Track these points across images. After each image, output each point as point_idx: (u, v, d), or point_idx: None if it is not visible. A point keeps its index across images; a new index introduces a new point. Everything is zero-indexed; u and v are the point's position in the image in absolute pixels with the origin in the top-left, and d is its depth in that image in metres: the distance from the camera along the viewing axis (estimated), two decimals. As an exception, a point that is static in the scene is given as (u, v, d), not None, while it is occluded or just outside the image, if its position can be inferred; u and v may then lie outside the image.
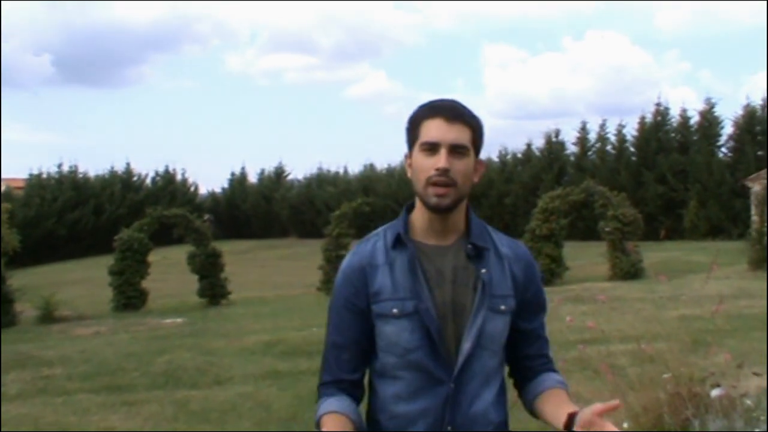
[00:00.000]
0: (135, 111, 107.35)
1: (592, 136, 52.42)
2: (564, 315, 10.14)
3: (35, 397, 11.36)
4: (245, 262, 39.86)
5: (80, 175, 61.20)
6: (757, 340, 12.92)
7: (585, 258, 29.12)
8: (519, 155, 53.12)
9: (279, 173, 69.61)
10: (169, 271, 32.13)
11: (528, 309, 2.63)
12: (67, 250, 53.16)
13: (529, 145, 53.09)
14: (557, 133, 52.10)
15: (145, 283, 24.68)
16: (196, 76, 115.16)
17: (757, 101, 46.58)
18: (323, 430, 2.47)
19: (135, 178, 65.27)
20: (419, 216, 2.58)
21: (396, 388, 2.53)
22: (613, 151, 50.71)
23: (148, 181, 66.27)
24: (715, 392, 6.00)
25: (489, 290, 2.51)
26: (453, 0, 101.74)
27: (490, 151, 51.58)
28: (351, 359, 2.56)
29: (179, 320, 20.51)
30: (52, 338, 18.10)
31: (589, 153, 52.05)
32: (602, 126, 52.12)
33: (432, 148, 2.46)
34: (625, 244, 24.54)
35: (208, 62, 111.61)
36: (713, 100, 48.18)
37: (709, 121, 47.65)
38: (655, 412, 6.23)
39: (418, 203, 2.58)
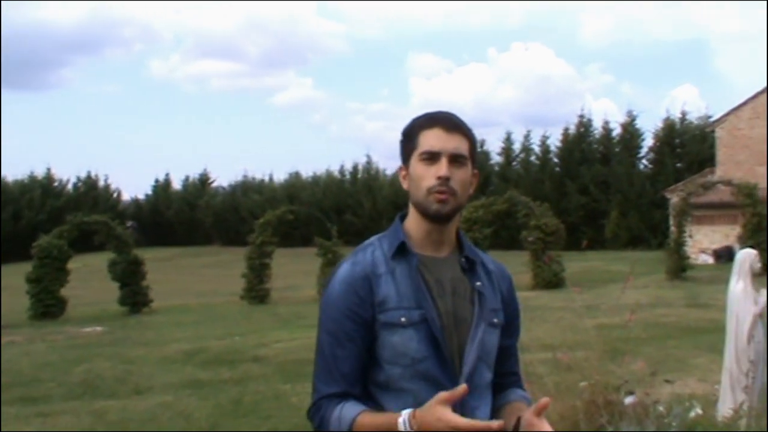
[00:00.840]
0: (56, 115, 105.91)
1: (517, 146, 53.21)
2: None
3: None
4: (168, 270, 39.45)
5: (-2, 180, 59.84)
6: (673, 348, 13.22)
7: (508, 267, 29.27)
8: (443, 165, 53.10)
9: (204, 180, 69.21)
10: (90, 278, 31.64)
11: (509, 326, 2.63)
12: (-17, 256, 51.98)
13: (454, 155, 53.11)
14: (482, 143, 52.55)
15: (65, 291, 24.19)
16: (120, 81, 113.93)
17: (677, 114, 47.67)
18: (366, 428, 2.34)
19: (56, 184, 64.26)
20: (415, 226, 2.52)
21: (402, 400, 2.40)
22: (537, 162, 51.43)
23: (70, 186, 65.43)
24: (628, 399, 6.10)
25: (485, 304, 2.49)
26: (380, 9, 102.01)
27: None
28: (353, 372, 2.43)
29: (99, 329, 20.16)
30: (-35, 348, 17.66)
31: (514, 163, 52.74)
32: (526, 136, 53.02)
33: (432, 157, 2.43)
34: (542, 254, 24.83)
35: (131, 67, 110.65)
36: (634, 113, 49.34)
37: (631, 134, 48.58)
38: (572, 419, 6.29)
39: (413, 214, 2.52)
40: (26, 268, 24.55)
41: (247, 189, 64.74)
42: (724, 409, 7.04)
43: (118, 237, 25.34)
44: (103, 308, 25.11)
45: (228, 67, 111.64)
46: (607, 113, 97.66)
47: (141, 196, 70.70)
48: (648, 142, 48.40)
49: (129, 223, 55.75)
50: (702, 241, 32.18)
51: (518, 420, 2.41)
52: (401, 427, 2.26)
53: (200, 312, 23.70)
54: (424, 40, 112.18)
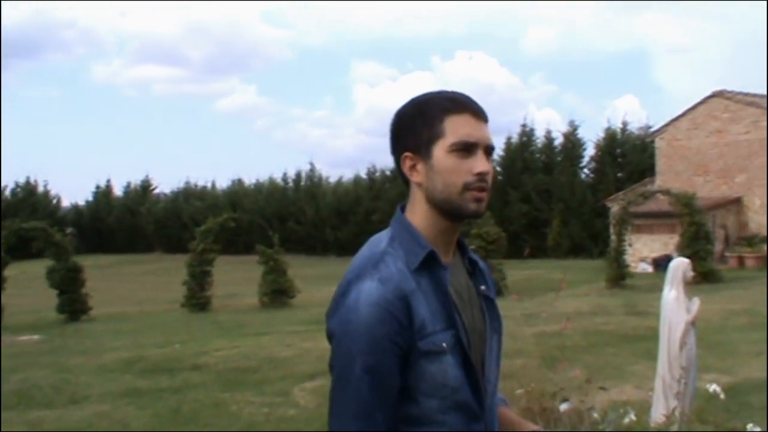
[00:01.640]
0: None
1: (460, 154, 53.26)
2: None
3: None
4: (108, 277, 39.01)
5: (-67, 185, 58.82)
6: (611, 355, 13.38)
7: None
8: (387, 173, 53.67)
9: (145, 187, 68.65)
10: (28, 286, 31.13)
11: None
12: None
13: (397, 163, 53.26)
14: (425, 151, 52.54)
15: (1, 299, 23.77)
16: (61, 85, 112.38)
17: (618, 125, 48.29)
18: None
19: (-7, 189, 63.21)
20: (428, 226, 2.15)
21: None
22: (479, 170, 51.66)
23: (8, 192, 64.40)
24: (563, 406, 6.15)
25: (494, 310, 2.28)
26: (324, 16, 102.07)
27: (358, 168, 51.97)
28: (393, 412, 2.05)
29: (36, 337, 19.85)
30: None
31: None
32: (469, 145, 53.03)
33: (467, 148, 2.11)
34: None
35: (73, 71, 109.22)
36: (576, 123, 49.80)
37: (573, 143, 49.08)
38: (508, 427, 6.33)
39: (428, 211, 2.16)
40: (-39, 275, 24.12)
41: (189, 196, 64.32)
42: (657, 414, 7.15)
43: (57, 244, 24.98)
44: (41, 316, 24.72)
45: (171, 73, 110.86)
46: (550, 122, 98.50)
47: (81, 203, 70.12)
48: (590, 151, 48.95)
49: (68, 230, 54.99)
50: (641, 250, 32.63)
51: None
52: None
53: (140, 320, 23.45)
54: (368, 47, 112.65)
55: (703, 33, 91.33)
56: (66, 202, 70.29)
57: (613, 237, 27.42)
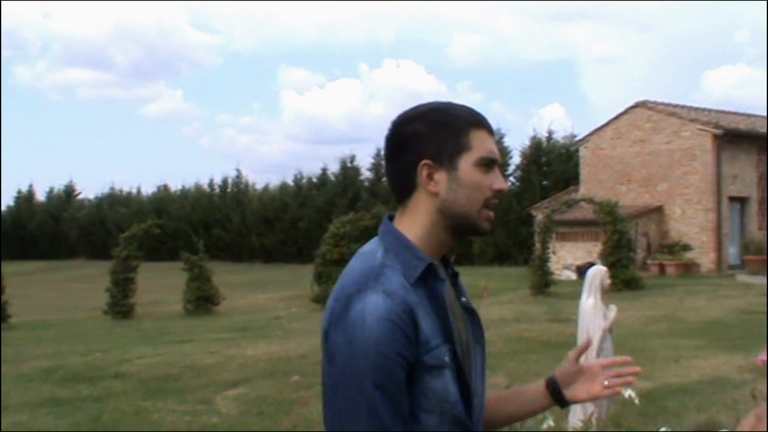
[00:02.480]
0: None
1: (386, 162, 53.42)
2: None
3: None
4: (30, 284, 38.23)
5: None
6: (534, 362, 13.54)
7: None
8: (314, 179, 53.39)
9: (69, 192, 67.54)
10: (-55, 293, 30.33)
11: None
12: None
13: (324, 170, 53.49)
14: (352, 158, 52.65)
15: None
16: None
17: (544, 133, 48.82)
18: None
19: None
20: (428, 238, 2.08)
21: None
22: (406, 178, 51.83)
23: (-75, 197, 62.76)
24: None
25: (477, 321, 2.21)
26: (253, 22, 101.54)
27: (285, 175, 51.76)
28: (408, 429, 1.95)
29: (-47, 345, 19.39)
30: None
31: (384, 179, 53.03)
32: (396, 153, 53.21)
33: (489, 164, 2.11)
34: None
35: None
36: (503, 131, 50.08)
37: (499, 151, 49.42)
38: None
39: (433, 223, 2.08)
40: None
41: (113, 202, 63.40)
42: (575, 420, 7.28)
43: (-25, 250, 24.51)
44: (-41, 324, 24.17)
45: (96, 77, 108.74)
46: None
47: (2, 208, 68.65)
48: (516, 159, 49.36)
49: (-11, 236, 53.84)
50: (565, 258, 33.03)
51: (549, 384, 2.28)
52: None
53: (61, 327, 23.07)
54: (296, 54, 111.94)
55: (628, 44, 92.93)
56: (-14, 207, 68.89)
57: (537, 245, 27.72)
